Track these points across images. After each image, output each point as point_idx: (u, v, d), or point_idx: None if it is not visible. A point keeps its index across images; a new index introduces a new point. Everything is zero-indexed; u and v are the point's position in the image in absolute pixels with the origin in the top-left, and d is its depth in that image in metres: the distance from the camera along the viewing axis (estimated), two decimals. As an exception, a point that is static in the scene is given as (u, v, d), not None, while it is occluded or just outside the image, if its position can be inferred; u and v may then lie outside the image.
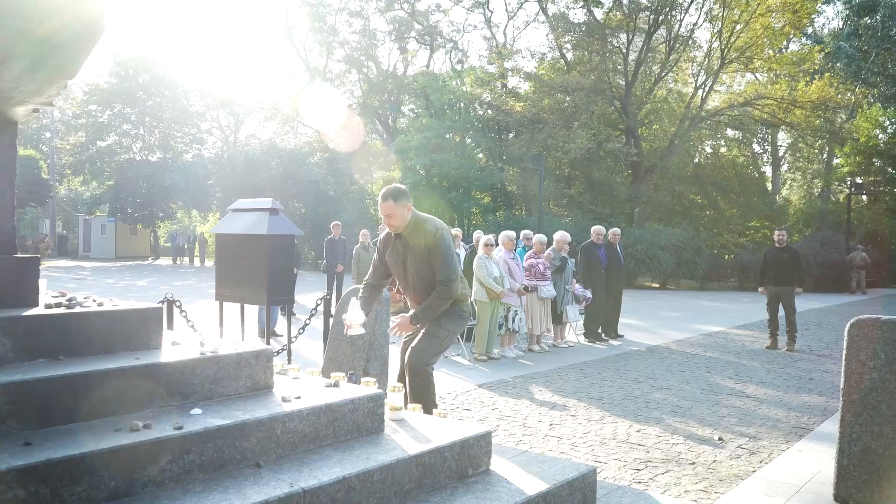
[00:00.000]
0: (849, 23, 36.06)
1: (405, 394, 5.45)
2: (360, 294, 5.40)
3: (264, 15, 54.47)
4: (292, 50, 41.33)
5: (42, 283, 4.28)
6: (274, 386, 3.73)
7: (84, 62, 3.22)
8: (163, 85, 45.03)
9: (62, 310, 3.47)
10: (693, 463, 5.65)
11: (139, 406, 3.20)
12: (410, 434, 3.69)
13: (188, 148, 47.87)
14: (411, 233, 5.08)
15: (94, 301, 3.75)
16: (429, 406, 5.25)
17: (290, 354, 7.68)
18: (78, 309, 3.52)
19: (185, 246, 45.35)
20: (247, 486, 2.90)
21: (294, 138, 45.19)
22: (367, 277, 5.52)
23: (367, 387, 3.76)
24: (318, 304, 9.00)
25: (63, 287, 22.78)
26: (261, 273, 7.35)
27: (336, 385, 3.82)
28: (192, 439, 2.94)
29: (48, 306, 3.54)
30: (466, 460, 3.65)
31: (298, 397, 3.50)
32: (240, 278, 7.62)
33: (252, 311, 11.51)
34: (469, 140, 35.59)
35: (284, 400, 3.47)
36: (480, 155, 36.64)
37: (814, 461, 5.69)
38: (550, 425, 6.78)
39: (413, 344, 5.25)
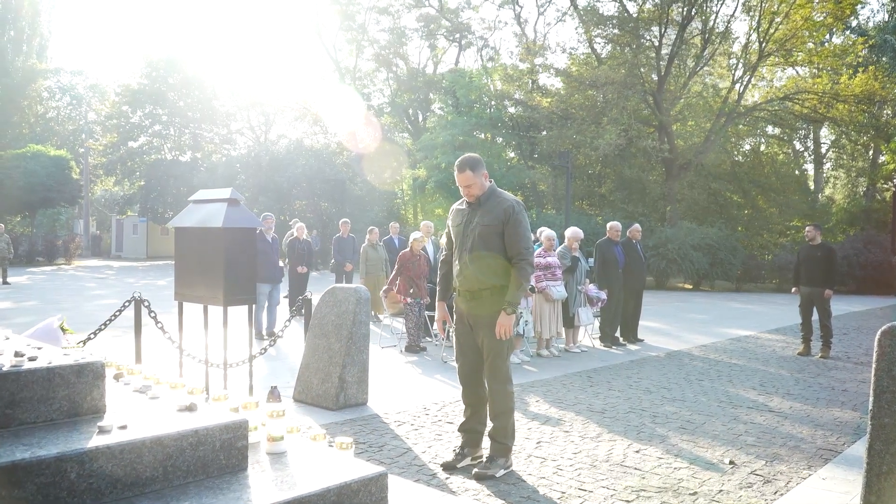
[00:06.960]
0: (895, 15, 34.56)
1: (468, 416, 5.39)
2: (438, 275, 5.49)
3: (294, 14, 54.27)
4: (322, 49, 40.97)
5: None
6: (106, 409, 2.85)
7: None
8: (192, 85, 44.74)
9: None
10: (694, 493, 4.79)
11: None
12: (279, 475, 2.80)
13: (218, 148, 47.52)
14: (487, 199, 5.05)
15: None
16: (508, 434, 5.12)
17: (251, 367, 6.90)
18: None
19: (213, 246, 45.01)
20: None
21: (324, 137, 44.67)
22: (442, 255, 5.49)
23: (232, 413, 2.87)
24: (298, 304, 8.24)
25: (82, 286, 22.32)
26: (217, 271, 6.59)
27: (190, 409, 2.91)
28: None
29: None
30: (348, 513, 2.75)
31: (123, 427, 2.62)
32: (197, 276, 6.85)
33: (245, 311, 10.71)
34: (500, 139, 34.75)
35: (102, 431, 2.60)
36: (512, 154, 35.82)
37: (839, 493, 4.81)
38: (538, 443, 5.94)
39: (487, 361, 5.11)
